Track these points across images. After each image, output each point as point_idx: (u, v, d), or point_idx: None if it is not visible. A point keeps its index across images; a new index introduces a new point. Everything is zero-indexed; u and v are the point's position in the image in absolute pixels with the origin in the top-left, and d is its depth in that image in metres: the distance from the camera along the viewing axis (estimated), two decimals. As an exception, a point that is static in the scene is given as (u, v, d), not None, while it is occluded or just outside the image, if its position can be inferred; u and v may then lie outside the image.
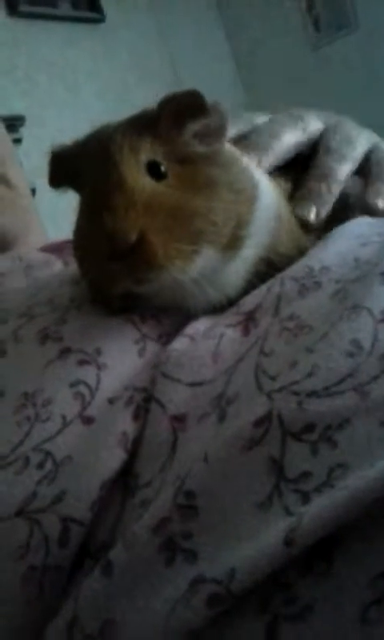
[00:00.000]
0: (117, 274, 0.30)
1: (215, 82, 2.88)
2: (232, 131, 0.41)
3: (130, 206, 0.29)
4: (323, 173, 0.40)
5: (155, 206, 0.30)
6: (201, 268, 0.31)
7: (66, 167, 0.34)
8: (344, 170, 0.41)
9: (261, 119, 0.43)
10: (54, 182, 0.36)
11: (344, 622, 0.17)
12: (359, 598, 0.18)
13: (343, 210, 0.41)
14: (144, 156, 0.31)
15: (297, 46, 3.01)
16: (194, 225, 0.30)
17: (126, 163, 0.30)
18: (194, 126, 0.33)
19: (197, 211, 0.31)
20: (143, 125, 0.32)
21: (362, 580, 0.18)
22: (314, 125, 0.42)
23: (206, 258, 0.31)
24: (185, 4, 3.03)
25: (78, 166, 0.33)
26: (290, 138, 0.41)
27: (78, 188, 0.34)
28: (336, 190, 0.40)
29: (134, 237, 0.29)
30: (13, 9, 2.27)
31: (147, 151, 0.31)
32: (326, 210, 0.40)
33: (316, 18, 2.94)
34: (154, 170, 0.31)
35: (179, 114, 0.32)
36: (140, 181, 0.30)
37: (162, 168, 0.31)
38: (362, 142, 0.42)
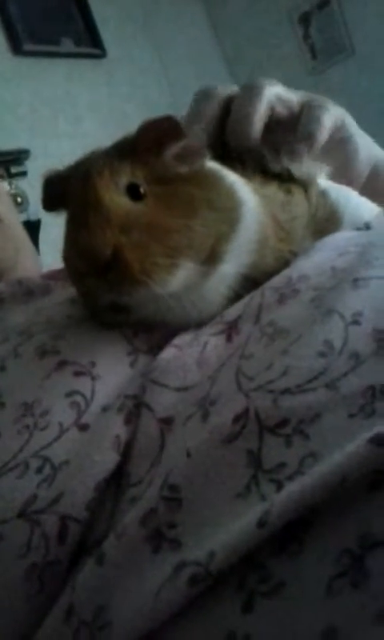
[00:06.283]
0: (98, 289, 0.32)
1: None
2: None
3: (104, 224, 0.31)
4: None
5: (131, 223, 0.32)
6: (181, 281, 0.33)
7: (57, 190, 0.37)
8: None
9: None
10: (46, 204, 0.38)
11: (312, 594, 0.19)
12: (325, 573, 0.19)
13: None
14: (124, 178, 0.33)
15: (295, 73, 3.05)
16: (171, 240, 0.32)
17: (104, 185, 0.32)
18: (173, 149, 0.35)
19: (174, 228, 0.32)
20: (124, 150, 0.35)
21: (328, 557, 0.19)
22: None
23: (186, 270, 0.33)
24: (184, 37, 3.10)
25: (66, 189, 0.35)
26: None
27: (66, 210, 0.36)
28: None
29: (108, 253, 0.31)
30: (17, 48, 2.35)
31: (127, 174, 0.33)
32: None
33: (312, 46, 3.00)
34: (133, 191, 0.33)
35: (157, 139, 0.35)
36: (116, 201, 0.32)
37: (141, 189, 0.33)
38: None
